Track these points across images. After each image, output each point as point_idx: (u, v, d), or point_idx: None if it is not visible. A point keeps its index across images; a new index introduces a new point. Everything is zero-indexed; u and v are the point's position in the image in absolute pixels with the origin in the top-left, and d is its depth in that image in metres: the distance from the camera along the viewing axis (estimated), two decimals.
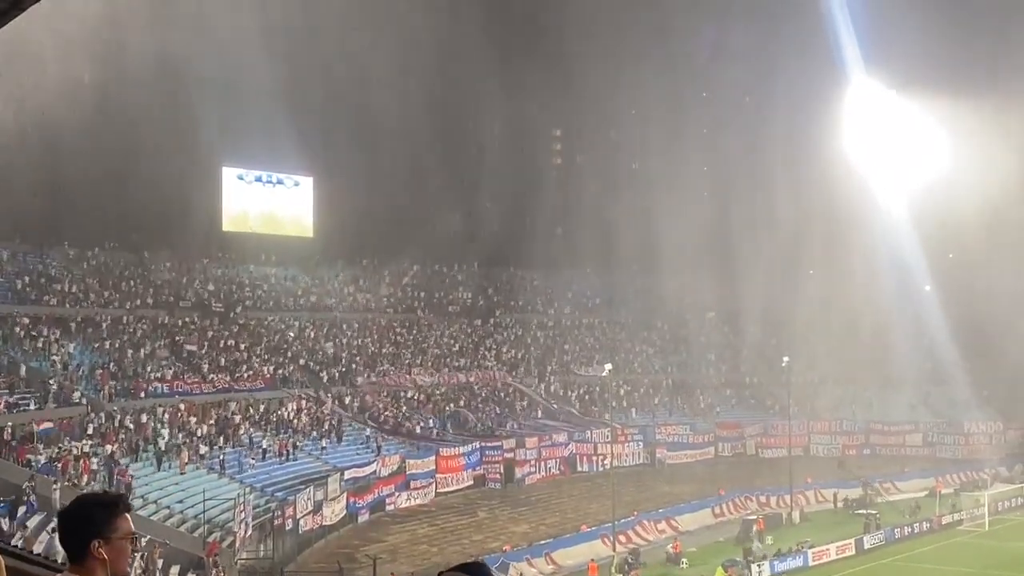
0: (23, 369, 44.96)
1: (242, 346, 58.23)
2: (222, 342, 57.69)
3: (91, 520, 3.67)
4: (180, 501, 40.44)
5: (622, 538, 47.35)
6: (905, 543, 50.56)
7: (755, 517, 52.24)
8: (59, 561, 5.44)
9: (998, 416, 67.79)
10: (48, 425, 40.10)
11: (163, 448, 43.48)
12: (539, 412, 65.95)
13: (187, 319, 58.20)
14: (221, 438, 47.00)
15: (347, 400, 58.24)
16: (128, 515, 3.72)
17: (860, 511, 55.00)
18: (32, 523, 32.36)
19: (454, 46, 73.97)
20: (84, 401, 44.34)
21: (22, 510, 33.16)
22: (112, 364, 49.22)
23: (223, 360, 55.49)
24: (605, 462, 58.14)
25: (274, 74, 63.09)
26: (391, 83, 71.23)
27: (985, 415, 67.91)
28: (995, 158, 66.69)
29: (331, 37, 66.26)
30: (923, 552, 48.96)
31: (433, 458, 54.69)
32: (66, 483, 35.72)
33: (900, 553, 48.95)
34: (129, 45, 55.80)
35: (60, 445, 39.25)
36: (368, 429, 55.90)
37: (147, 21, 57.20)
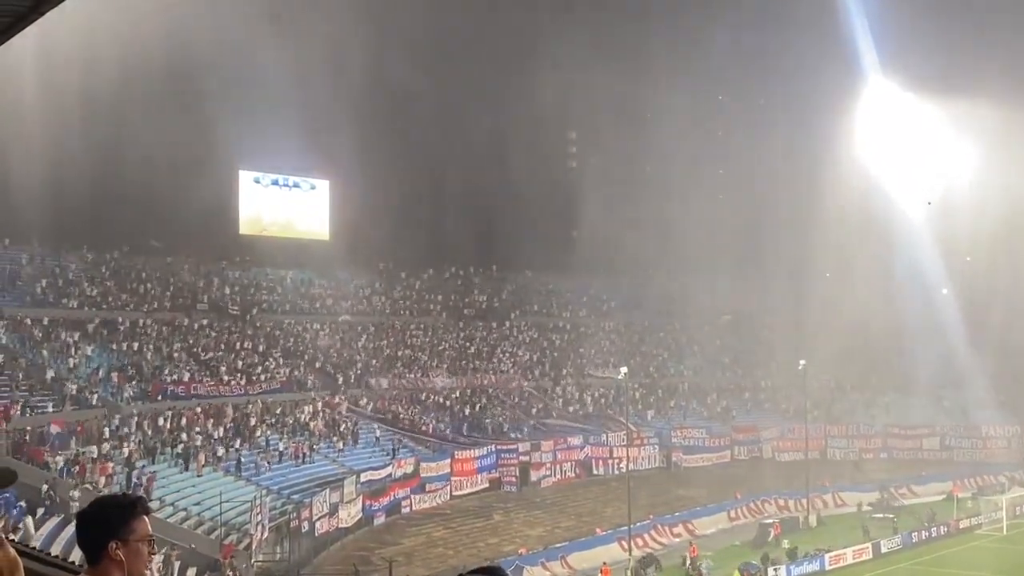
0: (44, 372, 45.25)
1: (259, 349, 58.44)
2: (239, 345, 57.90)
3: (108, 521, 3.66)
4: (197, 503, 40.58)
5: (638, 541, 47.23)
6: (922, 547, 50.30)
7: (772, 521, 52.08)
8: (77, 563, 5.49)
9: (1016, 419, 67.31)
10: (57, 429, 40.17)
11: (180, 451, 43.66)
12: (554, 415, 65.90)
13: (204, 322, 58.43)
14: (238, 440, 47.14)
15: (363, 403, 58.35)
16: (146, 518, 3.73)
17: (878, 514, 54.82)
18: (50, 525, 32.54)
19: (470, 50, 74.05)
20: (102, 404, 44.61)
21: (40, 511, 33.37)
22: (129, 367, 49.47)
23: (240, 363, 55.68)
24: (621, 465, 57.98)
25: (290, 77, 63.29)
26: (407, 86, 71.35)
27: (1003, 418, 67.44)
28: (1013, 160, 66.36)
29: (347, 40, 66.34)
30: (940, 556, 48.70)
31: (448, 461, 54.74)
32: (85, 485, 35.92)
33: (917, 557, 48.71)
34: (146, 49, 56.02)
35: (78, 448, 39.47)
36: (384, 431, 55.98)
37: (164, 25, 57.41)
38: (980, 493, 58.51)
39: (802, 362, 59.07)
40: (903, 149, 75.50)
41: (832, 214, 68.32)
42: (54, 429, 39.98)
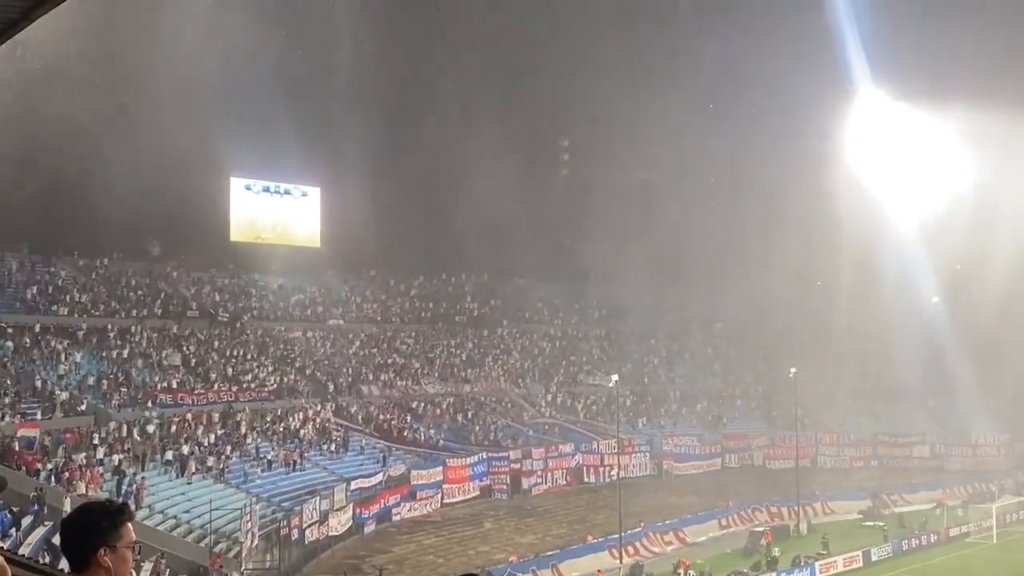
0: (33, 379, 45.06)
1: (249, 356, 58.31)
2: (229, 352, 57.77)
3: (97, 528, 3.68)
4: (187, 511, 40.46)
5: (629, 549, 47.19)
6: (913, 555, 50.34)
7: (763, 529, 52.08)
8: (65, 570, 5.47)
9: (1006, 428, 67.47)
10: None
11: (170, 458, 43.53)
12: (545, 423, 65.86)
13: (194, 329, 58.30)
14: (228, 448, 47.00)
15: (354, 410, 58.25)
16: (130, 523, 3.75)
17: (868, 523, 54.94)
18: (39, 533, 32.37)
19: (462, 57, 74.14)
20: (92, 411, 44.44)
21: (29, 519, 33.18)
22: (120, 374, 49.32)
23: (230, 370, 55.55)
24: (612, 473, 58.00)
25: (282, 84, 63.31)
26: (399, 93, 71.40)
27: (993, 426, 67.58)
28: (1003, 168, 66.56)
29: (339, 47, 66.39)
30: (930, 564, 48.75)
31: (440, 468, 54.66)
32: (75, 493, 35.74)
33: (907, 565, 48.74)
34: (137, 54, 56.01)
35: (67, 455, 39.30)
36: (374, 439, 55.88)
37: (156, 30, 57.41)
38: (971, 501, 58.59)
39: (793, 370, 59.21)
40: (894, 158, 75.68)
41: (823, 223, 68.53)
42: (42, 436, 39.78)
